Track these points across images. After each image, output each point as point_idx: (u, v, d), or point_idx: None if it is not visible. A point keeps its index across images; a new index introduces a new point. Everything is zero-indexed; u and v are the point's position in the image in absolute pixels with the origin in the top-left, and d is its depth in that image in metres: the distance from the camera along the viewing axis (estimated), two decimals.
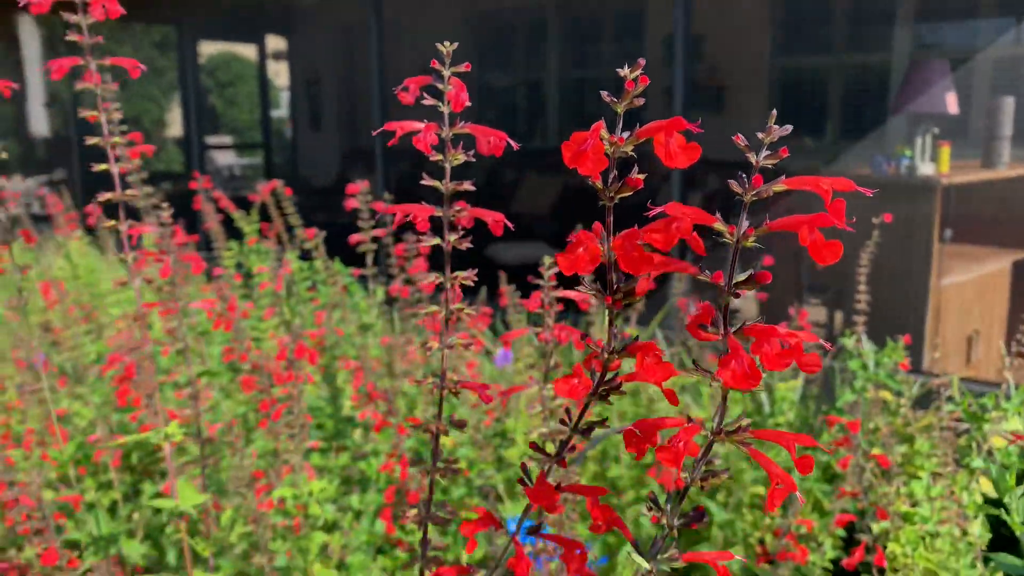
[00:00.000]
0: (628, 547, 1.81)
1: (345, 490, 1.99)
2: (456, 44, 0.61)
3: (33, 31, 9.58)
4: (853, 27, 5.24)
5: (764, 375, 0.47)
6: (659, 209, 0.49)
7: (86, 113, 0.99)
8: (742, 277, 0.49)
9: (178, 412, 1.23)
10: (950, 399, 1.91)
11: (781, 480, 0.48)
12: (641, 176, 0.51)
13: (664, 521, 0.53)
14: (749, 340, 0.48)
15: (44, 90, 10.33)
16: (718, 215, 0.49)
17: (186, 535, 1.04)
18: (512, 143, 0.62)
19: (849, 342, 2.05)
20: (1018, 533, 1.07)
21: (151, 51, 11.18)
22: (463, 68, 0.62)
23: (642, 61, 0.50)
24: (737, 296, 0.50)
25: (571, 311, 3.35)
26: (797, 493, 0.49)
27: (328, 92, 8.41)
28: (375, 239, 2.36)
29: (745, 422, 0.52)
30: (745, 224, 0.48)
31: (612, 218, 0.51)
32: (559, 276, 0.84)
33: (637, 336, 0.55)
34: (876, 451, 1.74)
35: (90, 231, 4.09)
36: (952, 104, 3.91)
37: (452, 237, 0.64)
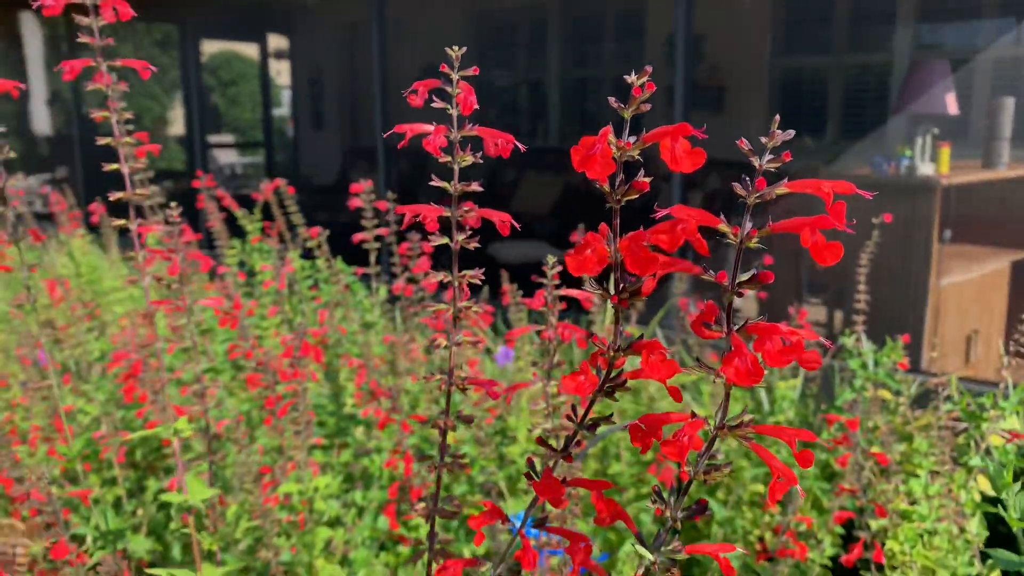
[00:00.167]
0: (629, 544, 1.83)
1: (347, 487, 2.01)
2: (464, 48, 0.63)
3: (35, 29, 9.59)
4: (854, 27, 5.25)
5: (765, 372, 0.48)
6: (665, 211, 0.50)
7: (97, 114, 1.00)
8: (745, 277, 0.50)
9: (184, 409, 1.24)
10: (948, 398, 1.93)
11: (782, 474, 0.50)
12: (647, 180, 0.52)
13: (668, 514, 0.55)
14: (752, 338, 0.49)
15: (46, 88, 10.34)
16: (722, 216, 0.50)
17: (194, 529, 1.05)
18: (519, 145, 0.63)
19: (849, 341, 2.07)
20: (1015, 529, 1.09)
21: (152, 49, 11.20)
22: (471, 72, 0.63)
23: (649, 68, 0.52)
24: (740, 295, 0.51)
25: (572, 309, 3.37)
26: (797, 487, 0.50)
27: (330, 91, 8.42)
28: (378, 238, 2.37)
29: (747, 418, 0.53)
30: (748, 225, 0.50)
31: (619, 220, 0.53)
32: (561, 275, 0.85)
33: (641, 335, 0.56)
34: (875, 449, 1.75)
35: (93, 229, 4.11)
36: (952, 105, 3.92)
37: (460, 237, 0.65)
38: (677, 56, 3.94)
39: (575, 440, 0.60)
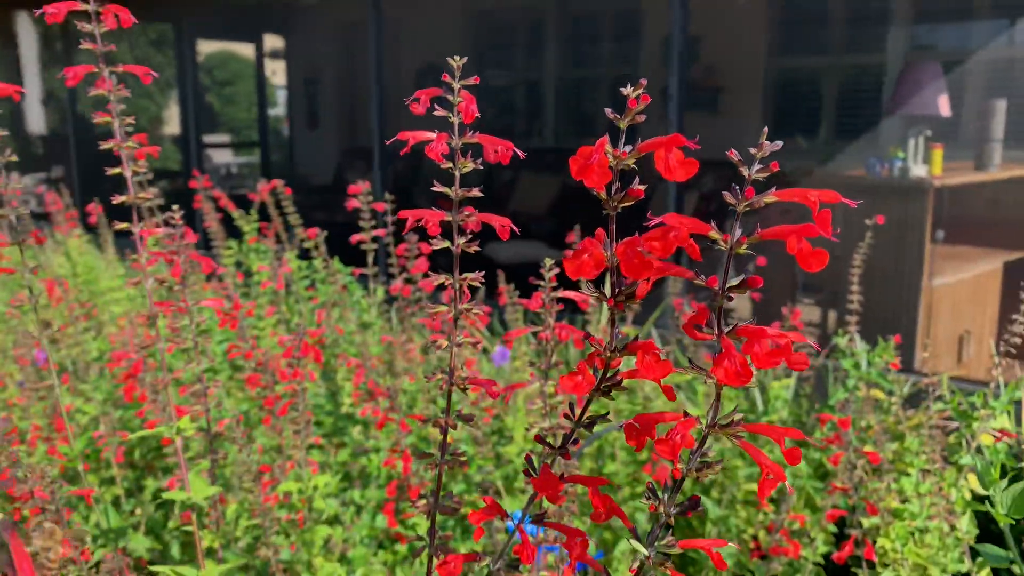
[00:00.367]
0: (624, 543, 1.85)
1: (345, 486, 2.02)
2: (465, 59, 0.64)
3: (30, 28, 9.57)
4: (848, 29, 5.28)
5: (756, 373, 0.50)
6: (658, 219, 0.52)
7: (98, 119, 1.02)
8: (735, 281, 0.53)
9: (184, 408, 1.26)
10: (940, 398, 1.95)
11: (771, 471, 0.52)
12: (643, 187, 0.54)
13: (662, 509, 0.57)
14: (741, 340, 0.52)
15: (41, 87, 10.32)
16: (713, 224, 0.52)
17: (196, 527, 1.07)
18: (518, 152, 0.65)
19: (842, 341, 2.09)
20: (1002, 524, 1.11)
21: (148, 49, 11.18)
22: (472, 81, 0.65)
23: (644, 81, 0.54)
24: (730, 299, 0.53)
25: (568, 310, 3.39)
26: (786, 483, 0.52)
27: (326, 91, 8.43)
28: (375, 239, 2.39)
29: (738, 416, 0.55)
30: (738, 232, 0.52)
31: (615, 225, 0.55)
32: (558, 277, 0.87)
33: (636, 335, 0.58)
34: (868, 448, 1.78)
35: (90, 229, 4.11)
36: (944, 107, 3.95)
37: (461, 241, 0.67)
38: (673, 57, 3.96)
39: (572, 438, 0.62)
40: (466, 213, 0.66)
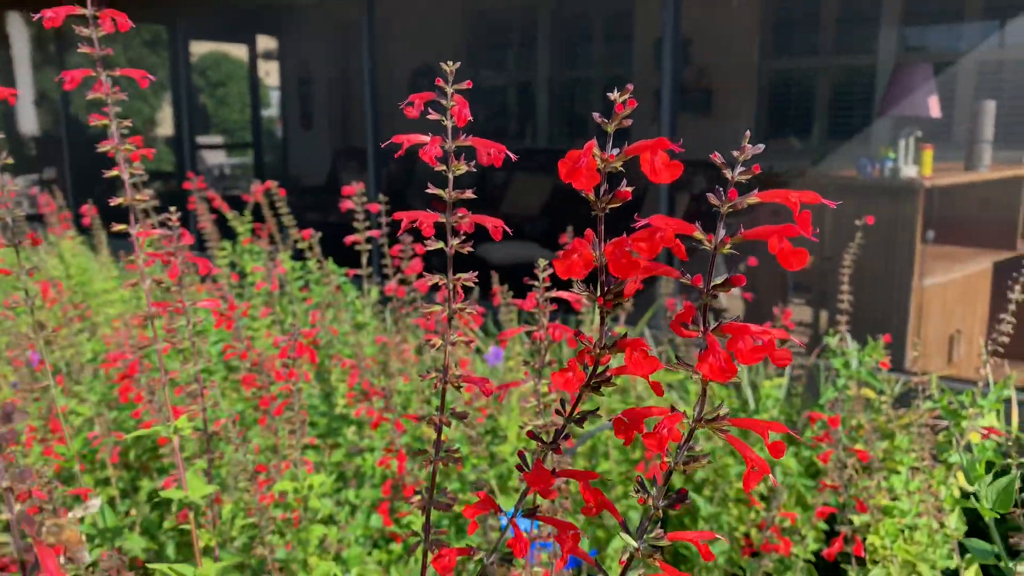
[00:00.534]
0: (618, 541, 1.86)
1: (339, 486, 2.03)
2: (458, 64, 0.66)
3: (22, 28, 9.54)
4: (840, 30, 5.31)
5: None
6: (644, 221, 0.54)
7: (96, 122, 1.03)
8: (719, 280, 0.54)
9: (181, 409, 1.27)
10: (929, 397, 1.97)
11: (756, 464, 0.53)
12: (631, 189, 0.55)
13: (650, 502, 0.58)
14: (726, 337, 0.53)
15: (33, 88, 10.29)
16: (698, 224, 0.54)
17: (194, 525, 1.08)
18: (510, 154, 0.66)
19: (832, 341, 2.11)
20: (987, 519, 1.13)
21: (141, 50, 11.17)
22: (465, 85, 0.67)
23: (630, 86, 0.55)
24: (715, 297, 0.55)
25: (561, 310, 3.40)
26: (771, 476, 0.54)
27: (319, 91, 8.43)
28: (369, 239, 2.40)
29: (723, 411, 0.57)
30: (722, 233, 0.53)
31: (603, 226, 0.56)
32: (552, 277, 0.89)
33: (626, 333, 0.60)
34: (859, 447, 1.80)
35: (83, 231, 4.11)
36: (935, 108, 3.98)
37: (455, 241, 0.68)
38: (665, 59, 3.98)
39: (563, 433, 0.64)
40: (460, 215, 0.67)
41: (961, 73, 4.50)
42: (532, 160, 6.29)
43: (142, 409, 1.80)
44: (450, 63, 0.65)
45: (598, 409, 0.63)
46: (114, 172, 1.04)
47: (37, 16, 0.97)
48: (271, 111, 10.11)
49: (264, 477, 1.61)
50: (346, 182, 2.45)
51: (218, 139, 11.57)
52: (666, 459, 0.56)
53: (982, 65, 4.49)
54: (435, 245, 0.68)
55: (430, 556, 0.70)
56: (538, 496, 0.70)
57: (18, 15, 9.20)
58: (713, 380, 0.52)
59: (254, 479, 1.48)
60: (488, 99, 7.04)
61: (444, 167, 0.66)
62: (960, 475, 1.74)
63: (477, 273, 0.74)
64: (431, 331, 2.12)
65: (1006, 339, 1.73)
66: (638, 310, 3.19)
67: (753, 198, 0.52)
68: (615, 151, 0.55)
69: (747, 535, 2.01)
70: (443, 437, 0.74)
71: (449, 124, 0.66)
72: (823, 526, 1.94)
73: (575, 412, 0.63)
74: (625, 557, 0.59)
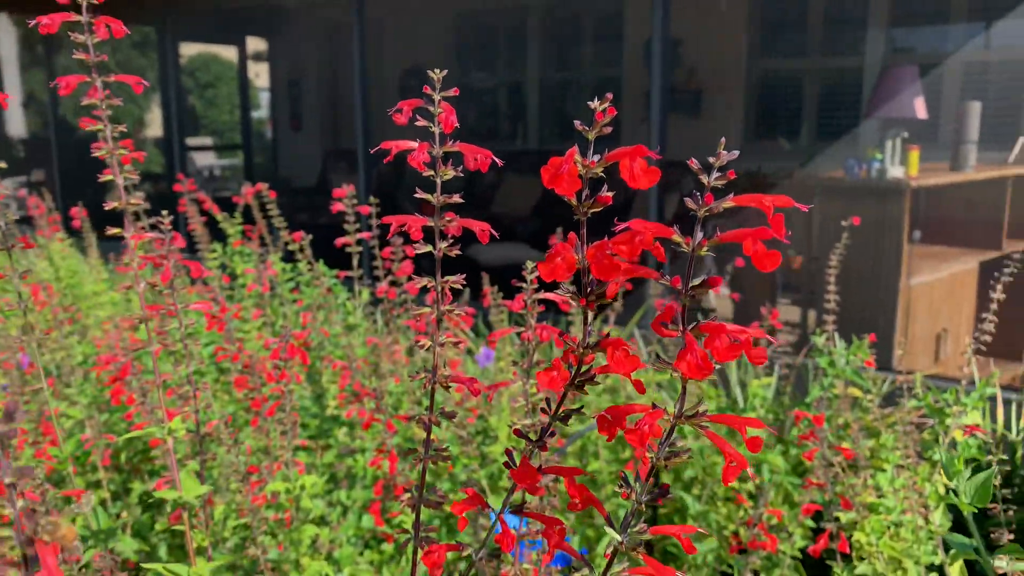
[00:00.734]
0: (607, 539, 1.88)
1: (331, 487, 2.04)
2: (445, 72, 0.67)
3: (9, 29, 9.50)
4: (828, 32, 5.35)
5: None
6: (623, 225, 0.56)
7: (91, 127, 1.04)
8: (697, 281, 0.56)
9: (173, 411, 1.28)
10: (915, 395, 2.00)
11: (734, 458, 0.55)
12: (611, 194, 0.57)
13: (634, 497, 0.60)
14: (703, 336, 0.55)
15: (21, 89, 10.24)
16: (676, 228, 0.56)
17: (188, 525, 1.09)
18: (497, 160, 0.68)
19: (819, 340, 2.14)
20: (965, 513, 1.15)
21: (130, 51, 11.13)
22: (452, 92, 0.68)
23: (610, 95, 0.57)
24: (694, 298, 0.56)
25: (552, 312, 3.42)
26: (748, 470, 0.56)
27: (309, 93, 8.43)
28: (360, 241, 2.41)
29: (703, 408, 0.59)
30: (700, 236, 0.55)
31: (585, 230, 0.58)
32: (540, 279, 0.90)
33: (609, 333, 0.61)
34: (845, 445, 1.82)
35: (73, 233, 4.10)
36: (921, 109, 4.02)
37: (443, 245, 0.70)
38: (654, 60, 4.01)
39: (549, 431, 0.65)
40: (447, 218, 0.69)
41: (947, 75, 4.55)
42: (522, 161, 6.31)
43: (134, 411, 1.80)
44: (437, 71, 0.67)
45: (583, 407, 0.65)
46: (107, 176, 1.05)
47: (33, 23, 0.98)
48: (261, 112, 10.10)
49: (256, 478, 1.62)
50: (336, 184, 2.46)
51: (208, 141, 11.54)
52: (648, 454, 0.58)
53: (968, 67, 4.54)
54: (423, 249, 0.70)
55: (420, 553, 0.72)
56: (526, 494, 0.72)
57: (5, 16, 9.16)
58: (691, 377, 0.53)
59: (246, 480, 1.49)
60: (478, 100, 7.05)
61: (432, 172, 0.68)
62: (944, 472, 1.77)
63: (466, 276, 0.76)
64: (421, 332, 2.14)
65: (989, 338, 1.76)
66: (628, 310, 3.21)
67: (728, 202, 0.54)
68: (596, 158, 0.57)
69: (735, 533, 2.04)
70: (434, 438, 0.75)
71: (436, 131, 0.68)
72: (810, 523, 1.97)
73: (560, 410, 0.64)
74: (609, 551, 0.60)
